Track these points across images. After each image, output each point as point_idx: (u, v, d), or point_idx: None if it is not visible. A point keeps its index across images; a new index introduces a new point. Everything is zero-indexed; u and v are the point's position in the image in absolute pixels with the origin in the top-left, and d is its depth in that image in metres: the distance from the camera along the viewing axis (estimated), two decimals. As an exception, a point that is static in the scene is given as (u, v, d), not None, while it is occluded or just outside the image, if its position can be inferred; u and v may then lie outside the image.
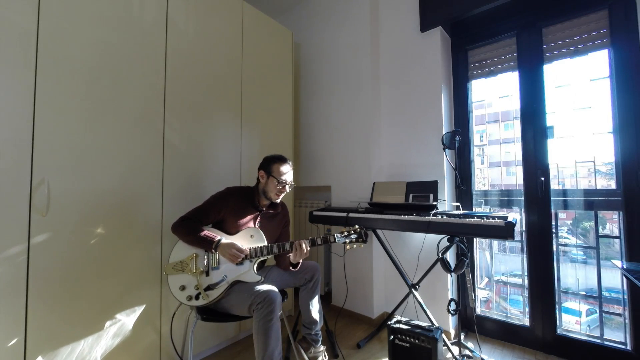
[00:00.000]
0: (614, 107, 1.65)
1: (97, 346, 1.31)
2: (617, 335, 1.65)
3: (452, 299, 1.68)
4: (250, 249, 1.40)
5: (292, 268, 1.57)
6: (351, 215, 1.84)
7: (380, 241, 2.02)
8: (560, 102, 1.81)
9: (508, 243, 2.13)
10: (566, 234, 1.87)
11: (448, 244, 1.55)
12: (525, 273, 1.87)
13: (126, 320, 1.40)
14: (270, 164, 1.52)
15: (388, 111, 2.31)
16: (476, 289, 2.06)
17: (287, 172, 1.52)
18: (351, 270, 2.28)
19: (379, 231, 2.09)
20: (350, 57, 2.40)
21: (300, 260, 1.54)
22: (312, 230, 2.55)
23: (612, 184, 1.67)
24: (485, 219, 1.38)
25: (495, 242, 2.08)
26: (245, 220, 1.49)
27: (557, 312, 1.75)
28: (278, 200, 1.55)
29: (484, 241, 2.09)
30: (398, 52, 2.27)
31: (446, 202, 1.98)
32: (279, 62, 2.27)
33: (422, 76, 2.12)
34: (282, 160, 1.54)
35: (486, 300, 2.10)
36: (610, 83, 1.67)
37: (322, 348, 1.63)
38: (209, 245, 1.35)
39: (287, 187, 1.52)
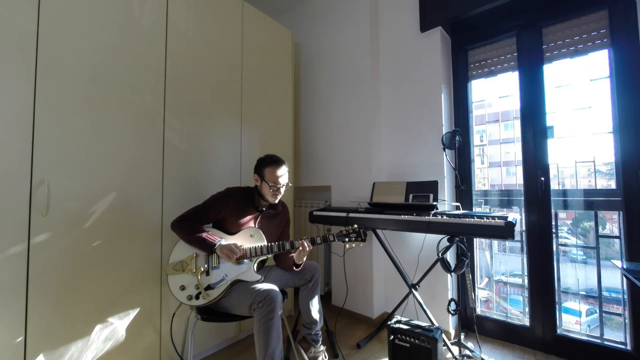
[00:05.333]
0: (614, 107, 1.65)
1: (97, 345, 1.31)
2: (617, 335, 1.65)
3: (452, 299, 1.68)
4: (250, 249, 1.41)
5: (296, 268, 1.57)
6: (351, 215, 1.84)
7: (380, 241, 2.02)
8: (560, 102, 1.81)
9: (508, 243, 2.13)
10: (566, 234, 1.87)
11: (448, 244, 1.55)
12: (525, 273, 1.87)
13: (126, 320, 1.40)
14: (262, 167, 1.49)
15: (388, 111, 2.31)
16: (476, 289, 2.06)
17: (280, 175, 1.48)
18: (351, 270, 2.28)
19: (379, 231, 2.09)
20: (351, 57, 2.40)
21: (304, 260, 1.55)
22: (312, 230, 2.55)
23: (612, 184, 1.67)
24: (485, 219, 1.38)
25: (495, 242, 2.08)
26: (245, 220, 1.49)
27: (557, 312, 1.75)
28: (276, 201, 1.55)
29: (484, 241, 2.09)
30: (398, 52, 2.27)
31: (446, 202, 1.98)
32: (279, 62, 2.26)
33: (422, 76, 2.12)
34: (273, 163, 1.49)
35: (486, 300, 2.10)
36: (610, 83, 1.67)
37: (322, 348, 1.63)
38: (208, 247, 1.36)
39: (281, 188, 1.51)
